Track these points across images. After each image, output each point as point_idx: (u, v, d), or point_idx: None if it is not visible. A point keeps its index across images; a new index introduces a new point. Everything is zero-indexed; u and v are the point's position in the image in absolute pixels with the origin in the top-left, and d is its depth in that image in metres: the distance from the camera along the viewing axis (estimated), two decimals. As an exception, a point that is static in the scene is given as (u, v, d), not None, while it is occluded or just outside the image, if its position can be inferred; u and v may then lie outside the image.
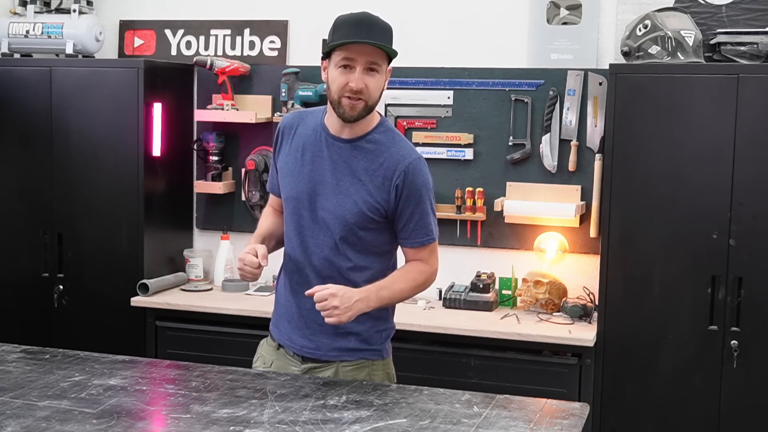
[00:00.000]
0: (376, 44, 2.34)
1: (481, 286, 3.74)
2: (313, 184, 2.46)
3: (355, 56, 2.35)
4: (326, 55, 2.42)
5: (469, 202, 3.90)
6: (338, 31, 2.38)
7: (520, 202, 3.81)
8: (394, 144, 2.48)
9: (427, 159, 3.90)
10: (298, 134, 2.51)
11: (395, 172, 2.42)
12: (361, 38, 2.32)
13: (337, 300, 2.30)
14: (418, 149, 3.94)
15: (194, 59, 4.13)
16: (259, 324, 3.75)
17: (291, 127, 2.54)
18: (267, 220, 2.67)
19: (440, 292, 3.84)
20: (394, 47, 2.40)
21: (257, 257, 2.37)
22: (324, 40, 2.42)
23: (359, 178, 2.43)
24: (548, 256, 3.82)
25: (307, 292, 2.35)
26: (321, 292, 2.31)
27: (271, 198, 2.68)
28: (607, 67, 3.51)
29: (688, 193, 3.35)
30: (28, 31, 4.18)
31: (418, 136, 3.97)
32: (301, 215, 2.48)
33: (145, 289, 3.91)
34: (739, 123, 3.26)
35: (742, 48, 3.46)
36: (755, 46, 3.44)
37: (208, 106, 4.15)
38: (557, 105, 3.81)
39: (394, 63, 3.99)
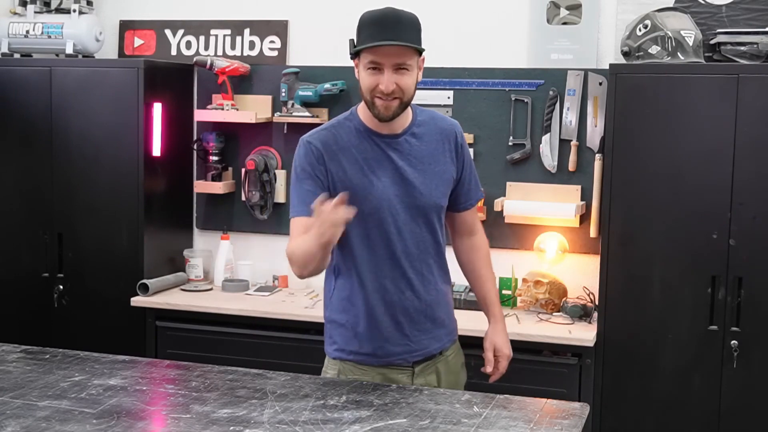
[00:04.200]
0: (401, 44, 2.28)
1: (481, 286, 3.73)
2: (399, 185, 2.42)
3: (381, 59, 2.29)
4: (354, 55, 2.36)
5: (469, 202, 3.89)
6: (363, 32, 2.32)
7: (520, 202, 3.81)
8: (435, 116, 2.54)
9: (427, 159, 3.96)
10: (344, 148, 2.40)
11: (456, 137, 2.52)
12: (386, 38, 2.26)
13: (508, 355, 2.66)
14: (418, 149, 3.98)
15: (194, 59, 4.13)
16: (259, 324, 3.77)
17: (328, 143, 2.40)
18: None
19: (440, 292, 3.84)
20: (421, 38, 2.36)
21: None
22: (351, 40, 2.37)
23: (431, 160, 2.46)
24: (548, 256, 3.82)
25: (491, 380, 2.64)
26: (501, 370, 2.65)
27: (306, 225, 2.34)
28: (607, 67, 3.51)
29: (688, 193, 3.35)
30: (28, 31, 4.18)
31: (418, 136, 3.97)
32: (395, 220, 2.42)
33: (145, 289, 3.91)
34: (739, 123, 3.26)
35: (742, 48, 3.46)
36: (755, 46, 3.44)
37: (208, 106, 4.15)
38: (557, 105, 3.81)
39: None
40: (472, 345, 3.49)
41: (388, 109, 2.33)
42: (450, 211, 2.59)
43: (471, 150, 3.91)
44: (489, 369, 2.64)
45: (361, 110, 2.44)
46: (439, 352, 2.55)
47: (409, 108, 2.43)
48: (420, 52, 2.34)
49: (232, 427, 2.05)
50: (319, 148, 2.39)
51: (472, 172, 2.61)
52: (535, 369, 3.45)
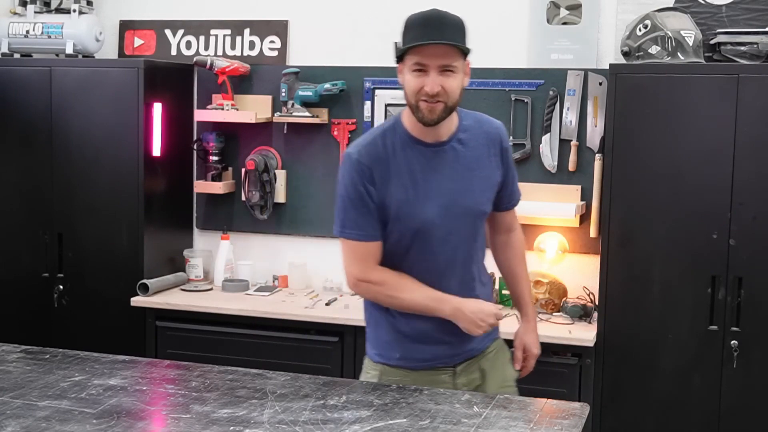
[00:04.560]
0: (445, 43, 2.23)
1: (481, 286, 3.73)
2: (445, 196, 2.37)
3: (426, 60, 2.24)
4: (399, 58, 2.31)
5: (469, 202, 3.89)
6: (408, 34, 2.28)
7: (520, 202, 3.80)
8: (480, 120, 2.49)
9: (427, 159, 3.96)
10: (390, 161, 2.34)
11: (501, 141, 2.47)
12: (431, 39, 2.22)
13: (536, 354, 2.63)
14: (418, 149, 3.98)
15: (194, 59, 4.13)
16: (259, 324, 3.77)
17: (375, 157, 2.33)
18: (410, 279, 2.39)
19: (440, 292, 3.84)
20: (467, 41, 2.31)
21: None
22: (395, 44, 2.31)
23: (477, 166, 2.41)
24: (548, 256, 3.82)
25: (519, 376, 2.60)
26: (529, 368, 2.62)
27: (368, 249, 2.36)
28: (607, 67, 3.51)
29: (688, 194, 3.35)
30: (28, 31, 4.18)
31: (418, 136, 3.97)
32: (440, 231, 2.37)
33: (145, 289, 3.91)
34: (739, 123, 3.26)
35: (742, 48, 3.46)
36: (755, 46, 3.44)
37: (208, 106, 4.15)
38: (557, 105, 3.81)
39: (394, 63, 4.01)
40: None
41: (432, 113, 2.27)
42: (492, 211, 2.56)
43: (471, 150, 3.91)
44: (517, 366, 2.63)
45: (406, 118, 2.37)
46: (480, 351, 2.53)
47: (454, 113, 2.37)
48: (465, 54, 2.29)
49: (232, 427, 2.05)
50: (368, 164, 2.32)
51: (514, 174, 2.57)
52: (535, 369, 3.41)
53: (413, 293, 2.37)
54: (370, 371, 2.52)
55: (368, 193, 2.32)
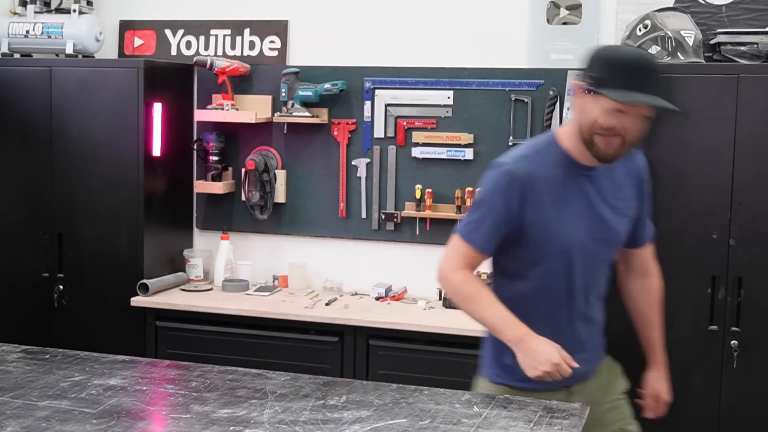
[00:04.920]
0: (661, 106, 2.21)
1: (481, 286, 3.73)
2: (590, 219, 2.35)
3: (633, 110, 2.20)
4: (593, 90, 2.22)
5: (469, 202, 3.89)
6: (618, 76, 2.19)
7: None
8: None
9: (427, 159, 3.97)
10: (545, 182, 2.30)
11: (641, 170, 2.46)
12: (644, 91, 2.18)
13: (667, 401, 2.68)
14: (418, 149, 3.99)
15: (194, 59, 4.13)
16: (259, 324, 3.77)
17: (532, 176, 2.29)
18: (489, 293, 2.37)
19: (440, 292, 3.84)
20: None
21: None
22: (592, 77, 2.21)
23: (619, 194, 2.41)
24: (548, 256, 3.81)
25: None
26: (660, 413, 2.68)
27: (471, 254, 2.35)
28: (607, 67, 3.51)
29: (688, 194, 3.35)
30: (28, 31, 4.18)
31: (418, 136, 3.97)
32: (581, 256, 2.35)
33: (145, 289, 3.91)
34: (739, 123, 3.26)
35: (742, 48, 3.46)
36: (755, 46, 3.43)
37: (208, 106, 4.15)
38: (557, 105, 3.81)
39: (394, 63, 4.03)
40: (472, 345, 3.49)
41: (609, 146, 2.23)
42: (625, 248, 2.52)
43: (471, 150, 3.91)
44: (649, 415, 2.65)
45: (565, 139, 2.33)
46: (593, 371, 2.52)
47: None
48: None
49: (232, 427, 2.05)
50: (524, 181, 2.29)
51: (648, 209, 2.52)
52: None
53: (485, 307, 2.33)
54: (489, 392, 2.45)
55: (507, 207, 2.29)
